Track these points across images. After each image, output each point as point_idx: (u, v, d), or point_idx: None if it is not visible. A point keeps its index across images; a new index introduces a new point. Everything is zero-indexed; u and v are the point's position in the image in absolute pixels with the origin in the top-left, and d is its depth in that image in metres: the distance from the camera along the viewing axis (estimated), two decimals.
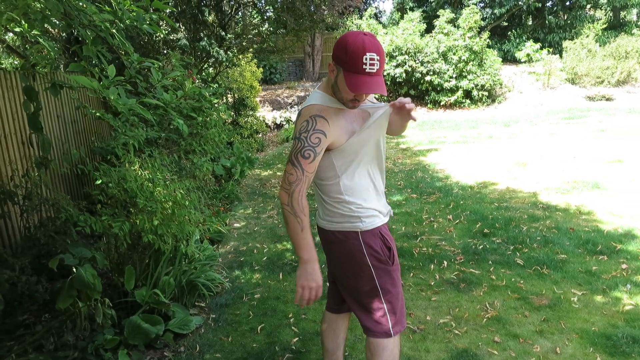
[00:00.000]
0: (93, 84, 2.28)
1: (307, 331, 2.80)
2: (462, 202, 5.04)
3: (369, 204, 1.80)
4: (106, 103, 3.99)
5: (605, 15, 18.84)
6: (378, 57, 1.57)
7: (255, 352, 2.62)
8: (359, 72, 1.56)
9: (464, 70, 12.88)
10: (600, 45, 14.59)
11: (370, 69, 1.55)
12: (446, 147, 8.21)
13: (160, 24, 5.40)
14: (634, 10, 19.20)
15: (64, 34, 5.46)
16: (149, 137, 3.63)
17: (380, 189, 1.85)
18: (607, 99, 12.73)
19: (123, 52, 2.69)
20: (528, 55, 15.30)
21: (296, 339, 2.75)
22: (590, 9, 18.65)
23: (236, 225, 4.69)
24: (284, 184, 1.69)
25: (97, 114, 3.35)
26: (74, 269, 2.56)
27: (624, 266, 3.42)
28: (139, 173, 2.92)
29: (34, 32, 2.60)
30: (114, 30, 2.34)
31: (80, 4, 2.18)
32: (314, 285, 1.71)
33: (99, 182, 2.91)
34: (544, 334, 2.68)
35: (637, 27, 16.71)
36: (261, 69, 9.35)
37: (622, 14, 18.90)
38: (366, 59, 1.54)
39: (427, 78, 12.85)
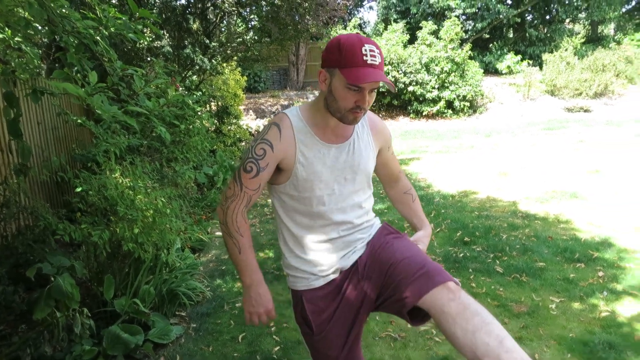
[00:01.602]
0: (78, 91, 2.27)
1: (288, 340, 2.79)
2: (443, 211, 5.09)
3: (296, 261, 1.55)
4: (88, 110, 3.96)
5: (584, 29, 19.34)
6: (377, 50, 1.36)
7: None
8: (359, 64, 1.32)
9: (446, 81, 13.07)
10: (578, 58, 14.94)
11: (372, 60, 1.33)
12: (428, 156, 8.30)
13: (145, 31, 5.38)
14: (611, 25, 19.73)
15: (46, 40, 5.42)
16: (131, 145, 3.60)
17: (338, 246, 1.54)
18: (585, 111, 13.02)
19: (106, 59, 2.68)
20: (509, 67, 15.61)
21: (277, 347, 2.74)
22: (569, 22, 19.12)
23: (218, 233, 4.67)
24: (221, 199, 1.51)
25: (79, 121, 3.32)
26: (52, 278, 2.52)
27: (600, 274, 3.48)
28: (120, 181, 2.90)
29: (17, 38, 2.57)
30: (97, 38, 2.33)
31: (64, 10, 2.17)
32: (261, 310, 1.51)
33: (79, 189, 2.88)
34: (523, 340, 2.72)
35: (614, 41, 17.17)
36: (245, 78, 9.37)
37: (600, 28, 19.42)
38: (365, 50, 1.33)
39: (410, 88, 13.00)
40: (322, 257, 1.52)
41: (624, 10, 18.99)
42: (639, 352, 2.51)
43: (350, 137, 1.51)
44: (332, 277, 1.54)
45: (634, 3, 19.52)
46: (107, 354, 2.58)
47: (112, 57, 2.50)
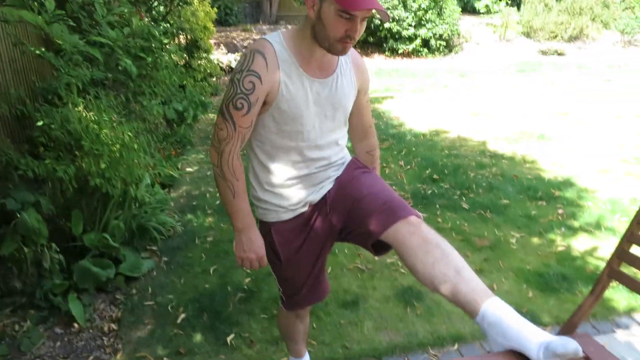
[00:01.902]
0: (36, 19, 2.13)
1: (259, 272, 2.86)
2: (414, 149, 5.15)
3: (266, 194, 1.53)
4: (47, 40, 3.74)
5: None
6: None
7: (207, 293, 2.68)
8: None
9: (423, 18, 12.78)
10: (556, 0, 14.76)
11: None
12: (402, 95, 8.27)
13: None
14: None
15: None
16: (95, 78, 3.46)
17: (310, 181, 1.53)
18: (559, 54, 13.04)
19: None
20: (487, 6, 15.33)
21: (248, 279, 2.81)
22: None
23: (188, 169, 4.63)
24: (213, 141, 1.42)
25: (37, 52, 3.15)
26: (17, 214, 2.48)
27: (560, 211, 3.64)
28: (84, 114, 2.80)
29: None
30: None
31: None
32: (252, 256, 1.50)
33: (40, 123, 2.78)
34: (484, 272, 2.86)
35: None
36: (215, 9, 8.95)
37: None
38: None
39: (386, 25, 12.70)
40: (293, 192, 1.52)
41: None
42: (589, 283, 2.68)
43: (334, 72, 1.46)
44: (301, 210, 1.54)
45: None
46: (78, 288, 2.60)
47: None
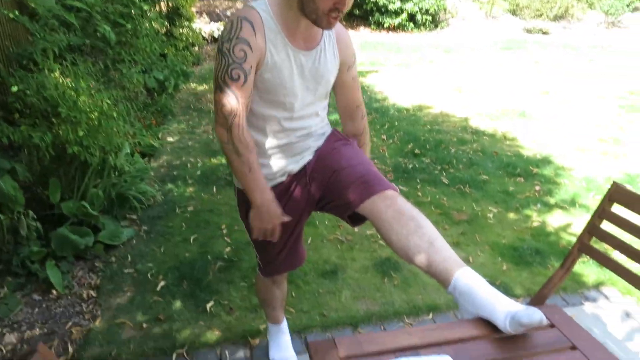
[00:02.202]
0: None
1: (239, 241, 2.88)
2: (397, 124, 5.16)
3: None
4: (21, 3, 3.60)
5: None
6: None
7: (187, 261, 2.69)
8: None
9: None
10: None
11: None
12: (387, 69, 8.23)
13: None
14: None
15: None
16: (72, 44, 3.36)
17: (290, 151, 1.52)
18: (544, 33, 13.06)
19: None
20: None
21: (228, 248, 2.83)
22: None
23: (169, 139, 4.58)
24: (218, 118, 1.36)
25: (11, 15, 3.05)
26: None
27: (537, 188, 3.71)
28: (60, 81, 2.74)
29: None
30: None
31: None
32: (270, 227, 1.49)
33: (15, 89, 2.70)
34: (460, 245, 2.92)
35: None
36: None
37: None
38: None
39: None
40: (272, 161, 1.51)
41: None
42: (561, 258, 2.75)
43: (317, 45, 1.43)
44: (280, 179, 1.55)
45: None
46: (57, 255, 2.59)
47: None
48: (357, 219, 1.47)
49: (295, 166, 1.54)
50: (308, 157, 1.56)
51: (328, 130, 1.63)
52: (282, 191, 1.56)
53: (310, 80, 1.44)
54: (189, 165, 3.99)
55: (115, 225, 2.87)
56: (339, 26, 1.52)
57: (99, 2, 3.51)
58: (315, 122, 1.55)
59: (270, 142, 1.49)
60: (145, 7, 4.58)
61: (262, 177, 1.44)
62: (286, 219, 1.51)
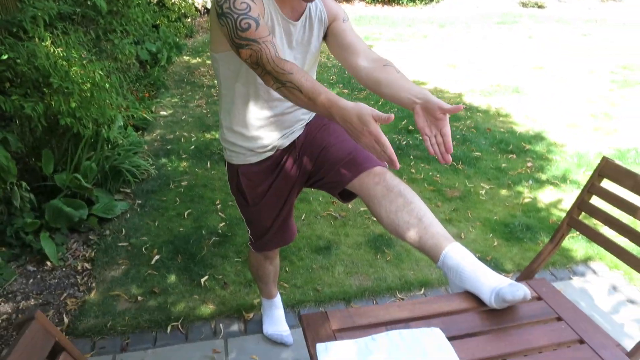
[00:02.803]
0: None
1: (233, 217, 2.89)
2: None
3: (234, 136, 1.50)
4: None
5: None
6: None
7: (182, 236, 2.70)
8: None
9: None
10: None
11: None
12: (381, 44, 8.14)
13: None
14: None
15: None
16: (62, 12, 3.29)
17: (279, 124, 1.49)
18: (539, 7, 12.94)
19: None
20: None
21: (223, 223, 2.84)
22: None
23: (163, 113, 4.54)
24: (258, 71, 1.24)
25: None
26: None
27: (529, 164, 3.74)
28: (52, 50, 2.68)
29: None
30: None
31: None
32: (366, 139, 1.13)
33: (5, 57, 2.65)
34: (452, 221, 2.95)
35: None
36: None
37: None
38: None
39: None
40: (262, 134, 1.49)
41: None
42: (551, 233, 2.80)
43: (303, 14, 1.40)
44: (269, 154, 1.54)
45: None
46: (51, 227, 2.59)
47: None
48: (347, 195, 1.48)
49: (284, 141, 1.54)
50: (298, 131, 1.55)
51: None
52: (272, 166, 1.56)
53: (298, 50, 1.42)
54: (182, 139, 3.97)
55: (109, 199, 2.87)
56: None
57: None
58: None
59: (259, 114, 1.47)
60: None
61: (324, 89, 1.18)
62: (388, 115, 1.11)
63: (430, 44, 8.17)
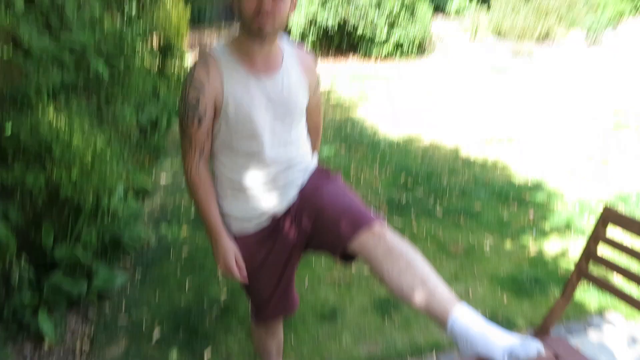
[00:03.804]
0: (4, 19, 2.06)
1: (235, 286, 2.83)
2: (388, 156, 5.17)
3: (229, 207, 1.53)
4: (15, 40, 3.63)
5: None
6: None
7: (183, 308, 2.64)
8: None
9: (395, 22, 12.90)
10: (524, 1, 15.10)
11: None
12: (376, 99, 8.31)
13: None
14: None
15: None
16: (65, 82, 3.37)
17: (272, 187, 1.51)
18: (529, 54, 13.35)
19: None
20: (457, 9, 15.57)
21: (225, 293, 2.78)
22: None
23: (163, 178, 4.56)
24: (182, 161, 1.48)
25: (5, 57, 3.06)
26: None
27: (531, 215, 3.73)
28: (54, 121, 2.73)
29: None
30: None
31: None
32: (222, 268, 1.54)
33: (8, 130, 2.69)
34: (459, 278, 2.90)
35: None
36: (189, 9, 8.83)
37: None
38: None
39: (359, 30, 12.77)
40: (254, 202, 1.50)
41: None
42: (561, 285, 2.73)
43: (279, 69, 1.43)
44: (265, 223, 1.54)
45: None
46: (49, 304, 2.53)
47: None
48: (349, 257, 1.46)
49: (279, 208, 1.53)
50: (292, 196, 1.54)
51: (312, 164, 1.62)
52: (268, 234, 1.55)
53: (279, 105, 1.44)
54: (183, 205, 3.96)
55: (108, 271, 2.82)
56: (300, 49, 1.54)
57: (92, 41, 3.53)
58: (294, 152, 1.53)
59: (251, 181, 1.48)
60: (138, 45, 4.62)
61: (214, 216, 1.50)
62: (240, 271, 1.54)
63: (424, 97, 8.34)
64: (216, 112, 1.39)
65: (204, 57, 1.39)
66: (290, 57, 1.48)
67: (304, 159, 1.59)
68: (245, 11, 1.30)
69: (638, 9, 15.25)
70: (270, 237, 1.55)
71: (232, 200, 1.51)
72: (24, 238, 2.93)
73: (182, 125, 1.41)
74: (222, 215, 1.54)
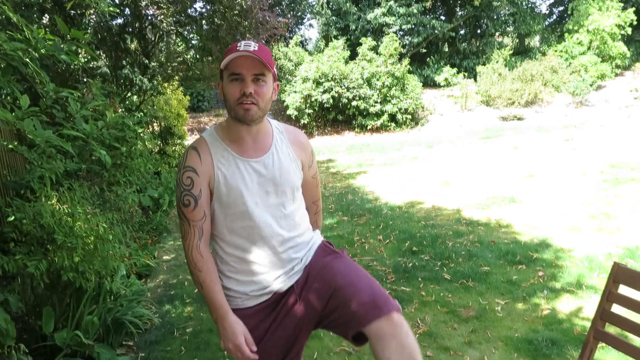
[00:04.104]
0: (7, 115, 2.15)
1: None
2: (391, 222, 5.18)
3: (227, 281, 1.53)
4: (20, 134, 3.76)
5: (512, 42, 20.49)
6: (255, 43, 1.41)
7: None
8: (232, 52, 1.39)
9: (387, 95, 13.42)
10: (509, 70, 15.78)
11: (245, 47, 1.38)
12: (374, 169, 8.46)
13: (79, 51, 5.19)
14: (537, 37, 21.02)
15: None
16: (69, 170, 3.45)
17: (272, 264, 1.52)
18: (519, 119, 13.75)
19: (38, 82, 2.57)
20: (446, 79, 16.25)
21: None
22: (498, 36, 20.19)
23: (165, 257, 4.53)
24: (182, 240, 1.52)
25: (10, 146, 3.15)
26: None
27: (540, 273, 3.66)
28: (57, 207, 2.76)
29: None
30: (27, 59, 2.23)
31: None
32: (230, 346, 1.49)
33: (11, 218, 2.72)
34: (473, 344, 2.80)
35: (539, 52, 18.27)
36: (188, 97, 9.22)
37: (527, 40, 20.64)
38: (240, 44, 1.40)
39: (354, 103, 13.25)
40: (255, 277, 1.51)
41: (546, 23, 20.33)
42: (579, 346, 2.64)
43: (268, 149, 1.51)
44: (265, 297, 1.53)
45: (554, 16, 20.93)
46: None
47: (43, 80, 2.40)
48: (360, 339, 1.45)
49: (281, 286, 1.52)
50: (296, 275, 1.53)
51: (315, 241, 1.63)
52: (267, 309, 1.53)
53: (269, 184, 1.49)
54: (186, 283, 3.90)
55: (111, 354, 2.73)
56: (291, 129, 1.62)
57: (94, 130, 3.66)
58: (288, 228, 1.54)
59: (250, 257, 1.50)
60: (140, 130, 4.78)
61: (217, 294, 1.49)
62: (249, 348, 1.49)
63: (421, 164, 8.49)
64: (211, 193, 1.47)
65: (197, 143, 1.48)
66: (281, 135, 1.57)
67: (304, 234, 1.60)
68: (230, 97, 1.41)
69: (617, 70, 15.94)
70: (273, 311, 1.53)
71: (233, 277, 1.52)
72: (23, 324, 2.87)
73: (179, 207, 1.47)
74: (225, 287, 1.53)
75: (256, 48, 1.39)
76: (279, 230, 1.51)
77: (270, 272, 1.51)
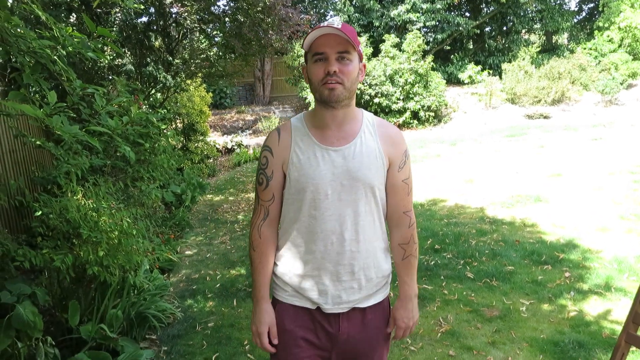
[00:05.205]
0: (36, 112, 2.19)
1: (263, 358, 2.74)
2: None
3: (280, 268, 1.49)
4: (47, 131, 3.84)
5: (539, 39, 20.05)
6: (339, 20, 1.33)
7: None
8: (317, 28, 1.33)
9: (410, 92, 13.29)
10: (535, 67, 15.45)
11: (329, 24, 1.31)
12: None
13: (105, 49, 5.27)
14: (565, 35, 20.54)
15: (0, 61, 5.25)
16: (94, 165, 3.51)
17: (325, 267, 1.42)
18: (545, 117, 13.44)
19: (65, 79, 2.61)
20: (470, 77, 16.00)
21: None
22: (525, 33, 19.80)
23: (187, 252, 4.58)
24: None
25: (38, 143, 3.22)
26: (13, 307, 2.41)
27: (567, 274, 3.57)
28: (82, 202, 2.81)
29: None
30: (55, 57, 2.27)
31: (19, 30, 2.10)
32: (253, 329, 1.47)
33: (38, 213, 2.78)
34: (496, 344, 2.75)
35: (567, 50, 17.85)
36: (211, 94, 9.29)
37: (554, 38, 20.17)
38: (324, 23, 1.33)
39: (376, 100, 13.17)
40: (306, 271, 1.43)
41: (575, 20, 19.84)
42: (607, 350, 2.57)
43: (352, 140, 1.40)
44: (309, 305, 1.45)
45: (584, 14, 20.41)
46: None
47: (71, 77, 2.43)
48: None
49: (326, 304, 1.43)
50: (343, 300, 1.44)
51: (382, 290, 1.53)
52: (307, 321, 1.47)
53: (344, 176, 1.38)
54: (208, 278, 3.94)
55: (134, 347, 2.77)
56: (384, 123, 1.50)
57: (119, 126, 3.71)
58: (351, 229, 1.41)
59: (305, 249, 1.43)
60: (163, 126, 4.84)
61: (261, 275, 1.48)
62: (270, 340, 1.47)
63: (444, 162, 8.38)
64: (285, 177, 1.44)
65: (282, 125, 1.48)
66: (371, 127, 1.45)
67: (376, 251, 1.46)
68: (314, 77, 1.35)
69: None
70: (310, 329, 1.45)
71: (286, 265, 1.47)
72: (50, 317, 2.93)
73: (255, 184, 1.50)
74: (275, 274, 1.50)
75: (339, 25, 1.31)
76: (340, 228, 1.40)
77: (319, 274, 1.43)
